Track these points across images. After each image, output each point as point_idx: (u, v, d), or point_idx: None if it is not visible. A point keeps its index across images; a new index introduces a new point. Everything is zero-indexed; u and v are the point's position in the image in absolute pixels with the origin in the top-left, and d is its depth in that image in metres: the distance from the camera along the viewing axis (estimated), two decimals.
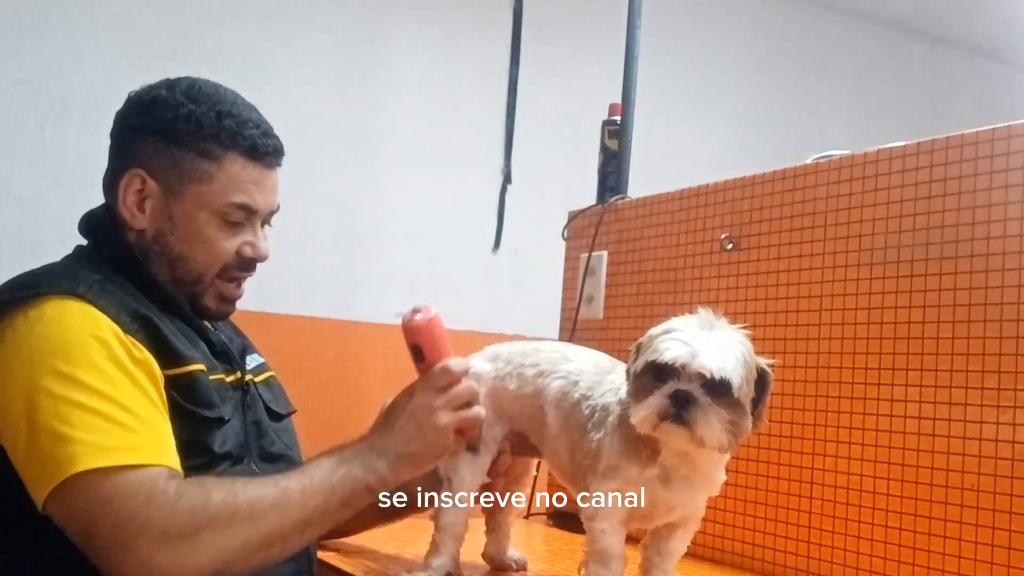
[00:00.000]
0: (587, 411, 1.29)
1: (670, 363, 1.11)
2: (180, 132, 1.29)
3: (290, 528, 1.17)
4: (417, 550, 1.47)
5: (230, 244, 1.33)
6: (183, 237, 1.32)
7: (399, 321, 1.27)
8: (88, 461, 1.09)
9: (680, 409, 1.11)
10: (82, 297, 1.18)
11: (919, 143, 1.47)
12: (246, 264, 1.37)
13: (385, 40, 3.13)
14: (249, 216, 1.34)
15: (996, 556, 1.30)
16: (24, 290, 1.20)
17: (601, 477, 1.24)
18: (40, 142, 2.59)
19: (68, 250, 1.37)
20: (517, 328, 3.12)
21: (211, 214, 1.31)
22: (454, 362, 1.28)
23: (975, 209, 1.38)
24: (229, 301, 1.38)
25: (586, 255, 2.10)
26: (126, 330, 1.19)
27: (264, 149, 1.33)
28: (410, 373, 1.31)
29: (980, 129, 1.39)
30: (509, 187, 3.34)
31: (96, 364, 1.14)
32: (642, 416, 1.14)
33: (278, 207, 1.39)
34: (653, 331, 1.18)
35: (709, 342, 1.12)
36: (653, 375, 1.14)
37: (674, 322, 1.17)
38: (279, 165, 1.38)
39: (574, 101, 3.27)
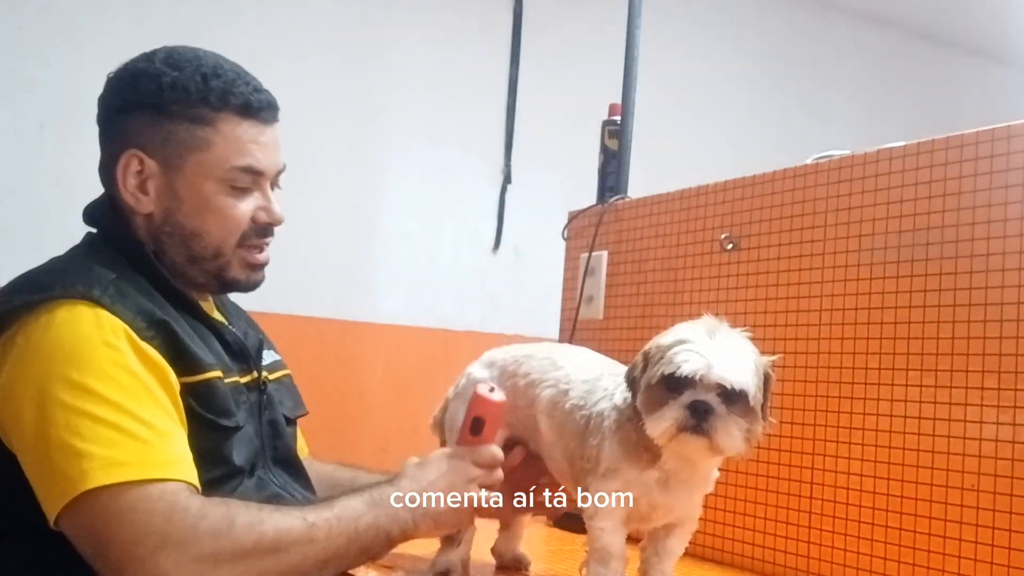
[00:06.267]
0: (582, 420, 1.29)
1: (688, 376, 1.11)
2: (168, 102, 1.23)
3: (310, 565, 1.12)
4: (417, 550, 1.47)
5: (242, 211, 1.28)
6: (192, 212, 1.26)
7: (475, 389, 1.30)
8: (101, 477, 1.04)
9: (699, 420, 1.11)
10: (96, 301, 1.13)
11: (919, 143, 1.47)
12: (263, 230, 1.31)
13: (385, 40, 3.14)
14: (256, 179, 1.28)
15: (996, 556, 1.29)
16: (36, 292, 1.14)
17: (602, 478, 1.24)
18: (40, 142, 2.59)
19: (68, 249, 1.34)
20: (517, 328, 3.13)
21: (217, 182, 1.25)
22: (497, 450, 1.29)
23: (975, 209, 1.38)
24: (258, 268, 1.33)
25: (586, 255, 2.10)
26: (142, 336, 1.14)
27: (258, 104, 1.27)
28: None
29: (980, 129, 1.39)
30: (509, 187, 3.34)
31: (109, 373, 1.09)
32: (661, 428, 1.13)
33: (284, 166, 1.33)
34: (661, 341, 1.16)
35: (722, 351, 1.12)
36: (666, 386, 1.13)
37: (682, 331, 1.16)
38: (276, 120, 1.31)
39: (574, 101, 3.27)
